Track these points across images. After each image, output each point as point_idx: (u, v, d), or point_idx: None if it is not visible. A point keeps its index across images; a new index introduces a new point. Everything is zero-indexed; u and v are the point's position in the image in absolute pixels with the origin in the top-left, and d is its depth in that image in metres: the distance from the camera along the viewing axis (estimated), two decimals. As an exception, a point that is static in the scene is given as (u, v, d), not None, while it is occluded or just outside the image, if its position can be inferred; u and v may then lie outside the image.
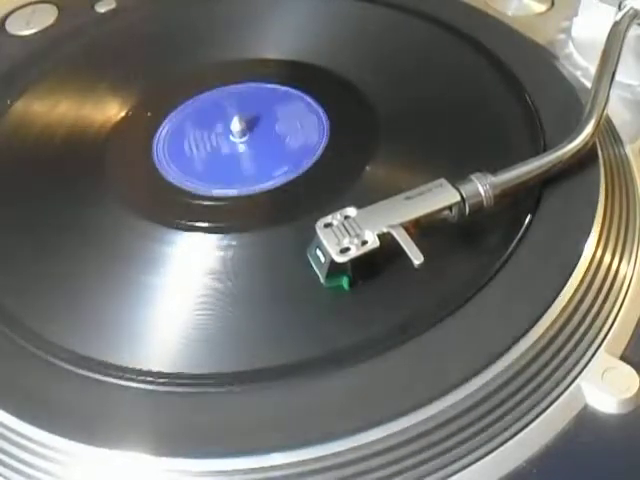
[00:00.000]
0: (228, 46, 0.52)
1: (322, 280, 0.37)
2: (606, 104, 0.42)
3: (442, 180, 0.38)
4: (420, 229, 0.37)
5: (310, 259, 0.38)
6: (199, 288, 0.38)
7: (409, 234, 0.36)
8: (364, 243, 0.36)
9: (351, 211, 0.37)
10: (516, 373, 0.34)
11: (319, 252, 0.37)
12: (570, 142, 0.40)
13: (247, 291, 0.38)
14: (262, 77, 0.49)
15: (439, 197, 0.38)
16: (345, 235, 0.36)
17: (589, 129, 0.40)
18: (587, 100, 0.42)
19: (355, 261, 0.36)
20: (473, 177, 0.38)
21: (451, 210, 0.38)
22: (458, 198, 0.38)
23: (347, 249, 0.36)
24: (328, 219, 0.37)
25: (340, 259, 0.36)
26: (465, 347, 0.35)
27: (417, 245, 0.35)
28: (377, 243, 0.36)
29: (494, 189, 0.38)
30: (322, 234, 0.37)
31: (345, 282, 0.37)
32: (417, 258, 0.35)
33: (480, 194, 0.38)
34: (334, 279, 0.37)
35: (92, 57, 0.53)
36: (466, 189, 0.38)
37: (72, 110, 0.49)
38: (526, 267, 0.37)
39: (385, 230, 0.36)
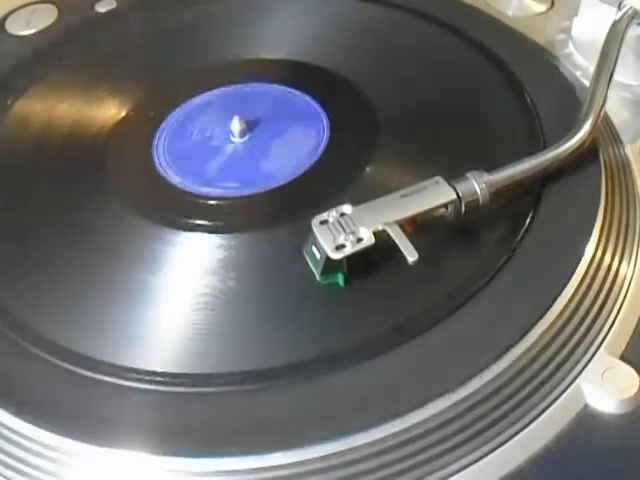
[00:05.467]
0: (228, 46, 0.52)
1: (317, 277, 0.37)
2: (604, 103, 0.42)
3: (438, 178, 0.38)
4: (416, 227, 0.37)
5: (306, 256, 0.38)
6: (199, 288, 0.38)
7: (405, 232, 0.36)
8: (359, 240, 0.36)
9: (347, 208, 0.37)
10: (516, 373, 0.34)
11: (315, 249, 0.37)
12: (567, 141, 0.40)
13: (247, 291, 0.38)
14: (262, 77, 0.49)
15: (435, 195, 0.38)
16: (341, 232, 0.37)
17: (586, 127, 0.41)
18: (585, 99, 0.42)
19: (350, 258, 0.36)
20: (469, 175, 0.38)
21: (447, 208, 0.38)
22: (454, 196, 0.38)
23: (342, 246, 0.36)
24: (324, 216, 0.37)
25: (335, 256, 0.36)
26: (464, 348, 0.35)
27: (415, 244, 0.35)
28: (372, 240, 0.36)
29: (490, 187, 0.38)
30: (318, 231, 0.37)
31: (340, 279, 0.37)
32: (411, 255, 0.35)
33: (476, 192, 0.38)
34: (329, 276, 0.37)
35: (92, 57, 0.53)
36: (462, 187, 0.38)
37: (72, 110, 0.49)
38: (527, 267, 0.37)
39: (380, 227, 0.36)
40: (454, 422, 0.33)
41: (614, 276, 0.38)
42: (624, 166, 0.43)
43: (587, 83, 0.45)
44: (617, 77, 0.44)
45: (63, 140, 0.47)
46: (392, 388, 0.34)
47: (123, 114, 0.48)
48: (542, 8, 0.54)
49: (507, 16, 0.53)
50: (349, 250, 0.36)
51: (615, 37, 0.44)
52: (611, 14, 0.46)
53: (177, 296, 0.39)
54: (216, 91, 0.49)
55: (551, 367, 0.35)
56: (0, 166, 0.46)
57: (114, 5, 0.57)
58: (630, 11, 0.46)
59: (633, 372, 0.35)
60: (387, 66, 0.49)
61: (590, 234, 0.38)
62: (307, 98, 0.47)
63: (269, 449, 0.32)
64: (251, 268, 0.39)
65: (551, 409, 0.34)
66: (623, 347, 0.36)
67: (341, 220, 0.37)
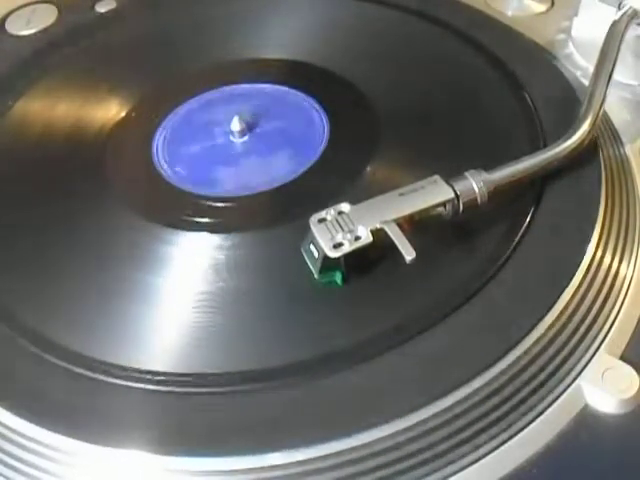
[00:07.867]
0: (228, 46, 0.52)
1: (316, 275, 0.37)
2: (603, 102, 0.42)
3: (436, 177, 0.38)
4: (414, 226, 0.37)
5: (304, 254, 0.38)
6: (199, 288, 0.38)
7: (402, 230, 0.36)
8: (357, 239, 0.36)
9: (345, 207, 0.38)
10: (516, 373, 0.34)
11: (313, 247, 0.37)
12: (566, 140, 0.40)
13: (247, 291, 0.38)
14: (262, 77, 0.49)
15: (433, 194, 0.38)
16: (339, 231, 0.37)
17: (585, 127, 0.41)
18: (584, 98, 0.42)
19: (348, 257, 0.36)
20: (467, 174, 0.38)
21: (445, 207, 0.38)
22: (452, 195, 0.38)
23: (340, 244, 0.36)
24: (322, 214, 0.37)
25: (333, 254, 0.36)
26: (465, 347, 0.35)
27: (415, 243, 0.35)
28: (370, 239, 0.36)
29: (488, 186, 0.38)
30: (315, 229, 0.37)
31: (339, 278, 0.37)
32: (409, 254, 0.35)
33: (474, 191, 0.38)
34: (327, 274, 0.37)
35: (92, 57, 0.53)
36: (460, 186, 0.38)
37: (73, 110, 0.49)
38: (527, 267, 0.37)
39: (378, 226, 0.36)
40: (454, 422, 0.33)
41: (614, 276, 0.38)
42: (624, 166, 0.43)
43: (587, 83, 0.45)
44: (617, 77, 0.44)
45: (64, 140, 0.47)
46: (391, 388, 0.34)
47: (123, 114, 0.48)
48: (542, 8, 0.54)
49: (507, 16, 0.53)
50: (347, 248, 0.36)
51: (615, 37, 0.44)
52: (611, 14, 0.46)
53: (177, 296, 0.39)
54: (216, 91, 0.49)
55: (551, 367, 0.35)
56: (0, 166, 0.46)
57: (114, 5, 0.57)
58: (630, 11, 0.46)
59: (633, 372, 0.35)
60: (387, 66, 0.49)
61: (590, 234, 0.38)
62: (307, 98, 0.47)
63: (269, 449, 0.32)
64: (251, 268, 0.39)
65: (551, 409, 0.34)
66: (623, 347, 0.36)
67: (339, 218, 0.37)
